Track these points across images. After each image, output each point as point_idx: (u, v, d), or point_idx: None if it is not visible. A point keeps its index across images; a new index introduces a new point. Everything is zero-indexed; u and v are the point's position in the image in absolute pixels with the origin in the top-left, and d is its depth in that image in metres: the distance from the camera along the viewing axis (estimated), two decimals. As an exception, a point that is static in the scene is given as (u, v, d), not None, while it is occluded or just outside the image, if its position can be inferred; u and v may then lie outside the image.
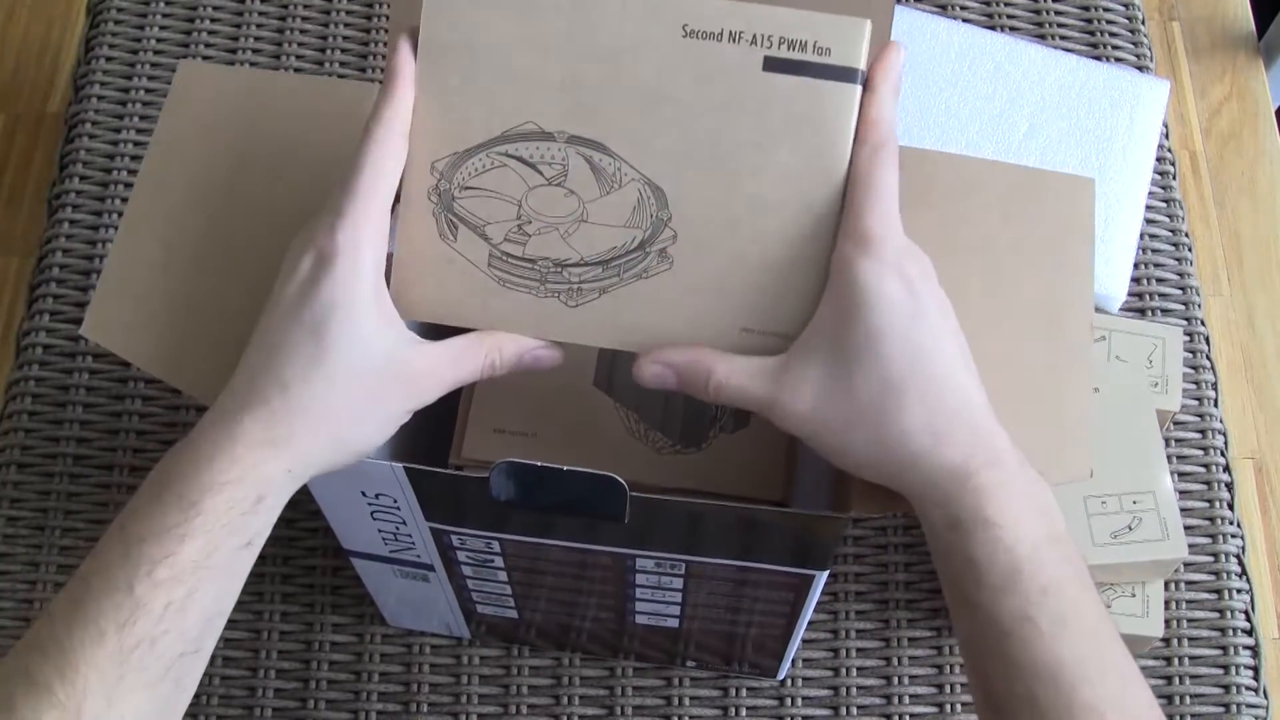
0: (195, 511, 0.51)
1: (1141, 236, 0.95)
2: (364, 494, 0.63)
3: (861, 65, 0.51)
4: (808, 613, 0.69)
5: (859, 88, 0.51)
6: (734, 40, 0.52)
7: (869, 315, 0.50)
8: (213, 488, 0.51)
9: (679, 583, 0.68)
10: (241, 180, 0.63)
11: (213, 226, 0.62)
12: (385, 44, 0.99)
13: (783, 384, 0.52)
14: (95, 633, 0.49)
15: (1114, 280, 0.92)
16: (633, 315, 0.55)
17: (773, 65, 0.51)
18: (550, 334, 0.56)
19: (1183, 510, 0.85)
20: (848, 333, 0.51)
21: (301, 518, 0.88)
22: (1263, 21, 1.49)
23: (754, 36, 0.51)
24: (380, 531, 0.67)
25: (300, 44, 1.03)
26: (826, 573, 0.64)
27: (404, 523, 0.65)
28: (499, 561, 0.68)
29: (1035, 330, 0.58)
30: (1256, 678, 0.84)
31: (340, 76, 1.03)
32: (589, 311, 0.55)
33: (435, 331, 0.57)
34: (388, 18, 1.01)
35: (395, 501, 0.63)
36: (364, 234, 0.52)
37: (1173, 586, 0.85)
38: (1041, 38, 1.03)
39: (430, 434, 0.70)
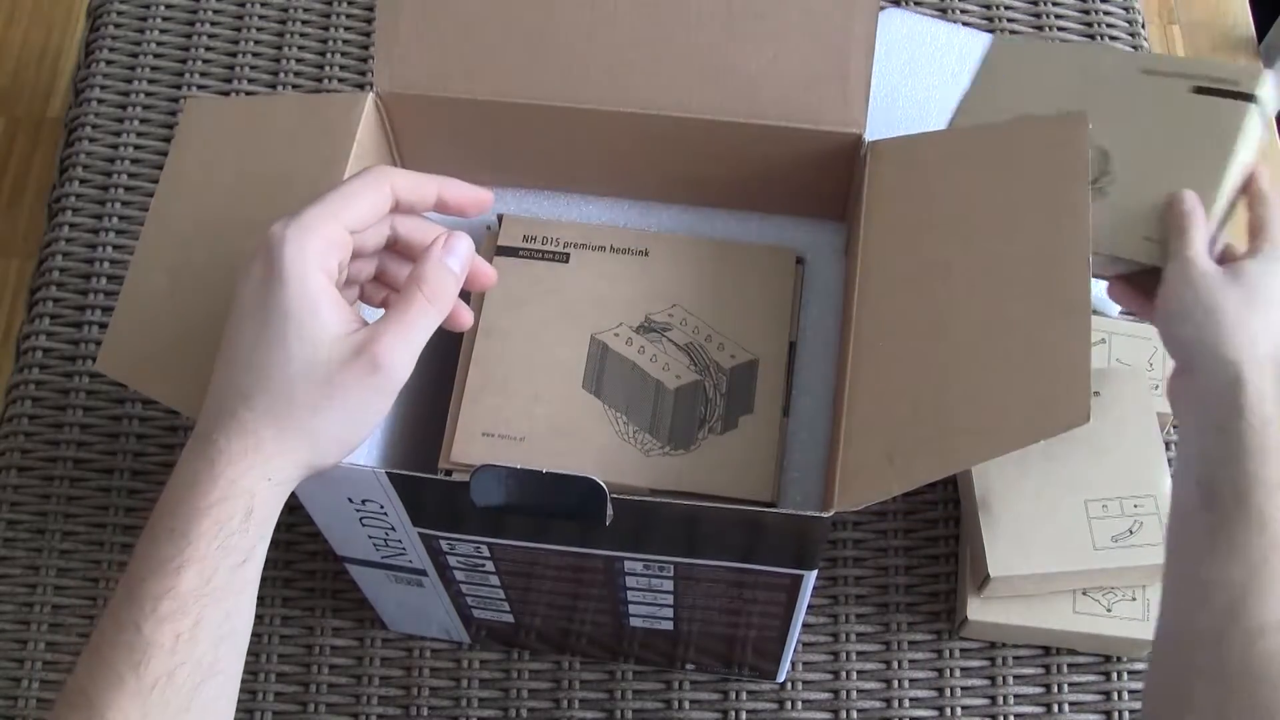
0: (186, 540, 0.51)
1: (1143, 237, 0.94)
2: (350, 500, 0.63)
3: (1257, 91, 0.72)
4: (801, 613, 0.69)
5: (1252, 105, 0.72)
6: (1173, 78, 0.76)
7: (1266, 282, 0.69)
8: (199, 513, 0.52)
9: (669, 585, 0.68)
10: (245, 209, 0.63)
11: (220, 257, 0.62)
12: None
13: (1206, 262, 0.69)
14: (114, 678, 0.50)
15: (1115, 281, 0.92)
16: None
17: (1198, 90, 0.74)
18: None
19: (1183, 513, 0.84)
20: (1256, 278, 0.69)
21: (301, 523, 0.88)
22: (1263, 25, 1.49)
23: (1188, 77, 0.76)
24: (370, 537, 0.67)
25: (300, 48, 1.04)
26: (815, 573, 0.64)
27: (393, 528, 0.65)
28: (490, 566, 0.68)
29: (1032, 279, 0.58)
30: (1258, 681, 0.83)
31: (340, 81, 1.03)
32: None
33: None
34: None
35: (382, 507, 0.63)
36: (312, 240, 0.53)
37: (1174, 589, 0.85)
38: (1043, 38, 1.03)
39: (420, 438, 0.70)
